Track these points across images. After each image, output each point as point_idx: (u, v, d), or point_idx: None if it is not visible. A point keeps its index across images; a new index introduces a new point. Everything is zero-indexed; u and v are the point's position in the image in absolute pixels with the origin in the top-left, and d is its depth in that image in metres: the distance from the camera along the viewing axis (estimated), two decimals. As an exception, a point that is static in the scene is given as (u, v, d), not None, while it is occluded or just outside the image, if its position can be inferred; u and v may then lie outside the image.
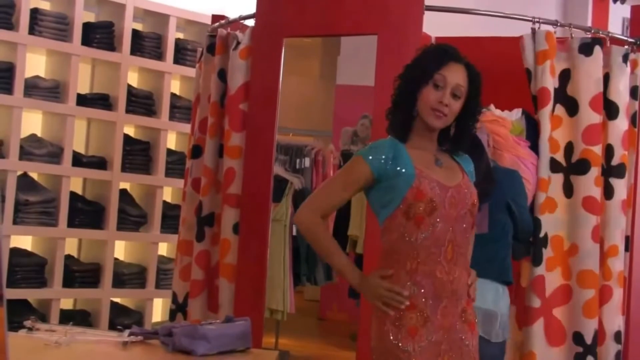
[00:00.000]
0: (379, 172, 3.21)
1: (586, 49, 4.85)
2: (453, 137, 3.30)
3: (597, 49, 4.85)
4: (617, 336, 4.80)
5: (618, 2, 11.37)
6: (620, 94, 4.90)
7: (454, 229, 3.20)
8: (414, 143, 3.27)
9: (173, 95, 7.04)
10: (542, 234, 4.64)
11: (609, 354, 4.78)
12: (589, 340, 4.67)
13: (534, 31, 4.84)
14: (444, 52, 3.26)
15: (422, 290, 3.16)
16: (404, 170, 3.20)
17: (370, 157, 3.22)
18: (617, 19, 11.27)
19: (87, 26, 6.56)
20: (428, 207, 3.16)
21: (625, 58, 4.91)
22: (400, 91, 3.28)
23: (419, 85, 3.22)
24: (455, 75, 3.21)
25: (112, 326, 6.31)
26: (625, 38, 5.18)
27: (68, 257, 6.49)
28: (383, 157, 3.22)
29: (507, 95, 4.86)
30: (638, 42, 5.09)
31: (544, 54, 4.75)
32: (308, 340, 8.24)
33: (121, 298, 6.82)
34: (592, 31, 5.09)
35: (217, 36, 5.48)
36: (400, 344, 3.13)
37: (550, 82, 4.72)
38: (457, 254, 3.20)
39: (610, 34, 5.09)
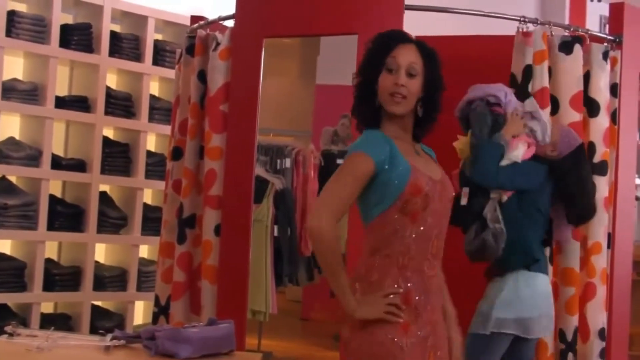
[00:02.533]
0: (380, 167, 3.10)
1: (566, 47, 4.86)
2: (420, 121, 3.25)
3: (577, 47, 4.86)
4: (602, 333, 4.82)
5: (595, 0, 11.43)
6: (601, 91, 4.92)
7: (440, 224, 3.18)
8: (390, 134, 3.19)
9: (152, 96, 7.01)
10: None
11: (593, 352, 4.79)
12: (569, 337, 4.69)
13: (518, 30, 4.85)
14: (391, 36, 3.23)
15: (413, 286, 3.12)
16: (400, 165, 3.12)
17: (373, 152, 3.11)
18: (594, 17, 11.32)
19: (64, 28, 6.52)
20: (424, 202, 3.12)
21: (605, 55, 4.93)
22: (360, 85, 3.23)
23: (375, 75, 3.17)
24: (406, 55, 3.16)
25: (94, 329, 6.28)
26: (605, 35, 5.19)
27: (48, 261, 6.45)
28: (383, 151, 3.12)
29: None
30: (617, 40, 5.11)
31: (541, 54, 4.78)
32: (291, 340, 8.23)
33: (102, 301, 6.78)
34: (572, 29, 5.10)
35: (196, 37, 5.46)
36: (395, 339, 3.07)
37: (547, 82, 4.76)
38: (439, 248, 3.19)
39: (589, 32, 5.10)
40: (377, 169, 3.09)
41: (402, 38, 3.22)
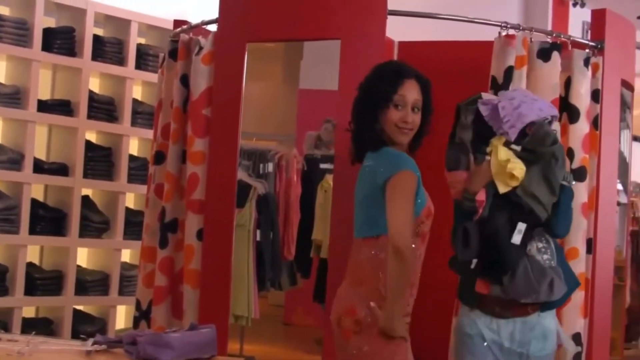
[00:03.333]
0: (417, 186, 3.41)
1: (544, 54, 4.88)
2: (412, 143, 3.56)
3: (555, 55, 4.88)
4: (576, 338, 4.82)
5: (578, 6, 11.48)
6: (582, 97, 4.94)
7: None
8: None
9: (135, 100, 7.00)
10: None
11: (566, 356, 4.80)
12: None
13: (500, 34, 4.87)
14: (398, 72, 3.51)
15: (412, 300, 3.48)
16: (422, 187, 3.44)
17: (415, 170, 3.40)
18: (577, 23, 11.36)
19: (47, 31, 6.51)
20: (431, 225, 3.48)
21: (586, 62, 4.96)
22: (362, 112, 3.52)
23: (379, 107, 3.46)
24: (412, 93, 3.48)
25: (75, 334, 6.27)
26: (587, 42, 5.21)
27: (30, 265, 6.43)
28: (418, 171, 3.43)
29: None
30: (599, 46, 5.14)
31: (521, 59, 4.80)
32: (273, 345, 8.22)
33: (84, 305, 6.76)
34: (554, 35, 5.12)
35: (179, 41, 5.45)
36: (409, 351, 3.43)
37: (524, 87, 4.77)
38: None
39: (571, 38, 5.13)
40: (416, 188, 3.40)
41: (408, 73, 3.51)
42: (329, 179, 7.21)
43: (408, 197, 3.34)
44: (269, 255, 6.77)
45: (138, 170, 6.92)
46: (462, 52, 5.36)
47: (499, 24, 4.91)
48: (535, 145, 3.84)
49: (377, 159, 3.46)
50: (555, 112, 4.13)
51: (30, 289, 6.33)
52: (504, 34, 4.88)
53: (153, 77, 6.64)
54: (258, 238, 6.64)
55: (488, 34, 4.98)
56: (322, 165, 7.65)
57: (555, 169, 3.81)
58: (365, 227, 3.46)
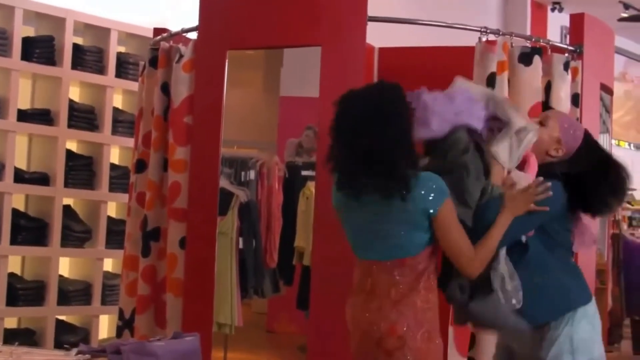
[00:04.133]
0: None
1: (526, 58, 4.91)
2: None
3: (537, 59, 4.91)
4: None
5: (556, 11, 11.56)
6: (562, 101, 4.96)
7: None
8: None
9: (115, 109, 6.98)
10: None
11: None
12: None
13: (480, 39, 4.89)
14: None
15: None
16: None
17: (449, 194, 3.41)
18: (555, 28, 11.43)
19: (26, 41, 6.48)
20: None
21: (566, 66, 4.98)
22: (408, 137, 3.39)
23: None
24: None
25: (58, 344, 6.24)
26: (566, 46, 5.25)
27: (11, 275, 6.39)
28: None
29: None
30: (578, 50, 5.16)
31: (502, 64, 4.81)
32: (257, 353, 8.21)
33: (66, 315, 6.73)
34: (534, 39, 5.14)
35: (159, 49, 5.44)
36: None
37: (506, 93, 4.79)
38: None
39: (550, 43, 5.15)
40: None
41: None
42: (310, 186, 7.21)
43: (457, 225, 3.39)
44: (252, 262, 6.77)
45: (119, 179, 6.91)
46: (443, 58, 5.37)
47: (479, 29, 4.93)
48: (447, 151, 3.51)
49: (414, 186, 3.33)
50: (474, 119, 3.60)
51: (12, 300, 6.29)
52: (484, 39, 4.90)
53: (133, 86, 6.62)
54: (240, 246, 6.63)
55: (468, 39, 5.00)
56: (304, 172, 7.64)
57: (467, 183, 3.46)
58: (395, 250, 3.42)
